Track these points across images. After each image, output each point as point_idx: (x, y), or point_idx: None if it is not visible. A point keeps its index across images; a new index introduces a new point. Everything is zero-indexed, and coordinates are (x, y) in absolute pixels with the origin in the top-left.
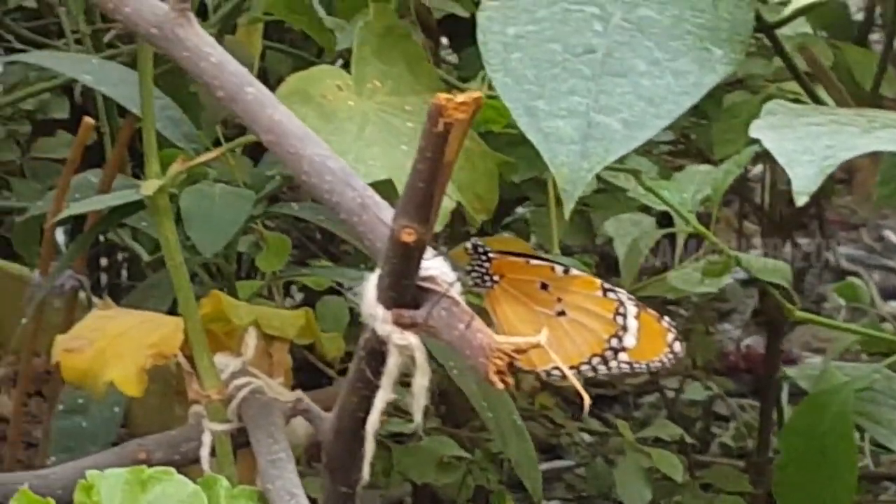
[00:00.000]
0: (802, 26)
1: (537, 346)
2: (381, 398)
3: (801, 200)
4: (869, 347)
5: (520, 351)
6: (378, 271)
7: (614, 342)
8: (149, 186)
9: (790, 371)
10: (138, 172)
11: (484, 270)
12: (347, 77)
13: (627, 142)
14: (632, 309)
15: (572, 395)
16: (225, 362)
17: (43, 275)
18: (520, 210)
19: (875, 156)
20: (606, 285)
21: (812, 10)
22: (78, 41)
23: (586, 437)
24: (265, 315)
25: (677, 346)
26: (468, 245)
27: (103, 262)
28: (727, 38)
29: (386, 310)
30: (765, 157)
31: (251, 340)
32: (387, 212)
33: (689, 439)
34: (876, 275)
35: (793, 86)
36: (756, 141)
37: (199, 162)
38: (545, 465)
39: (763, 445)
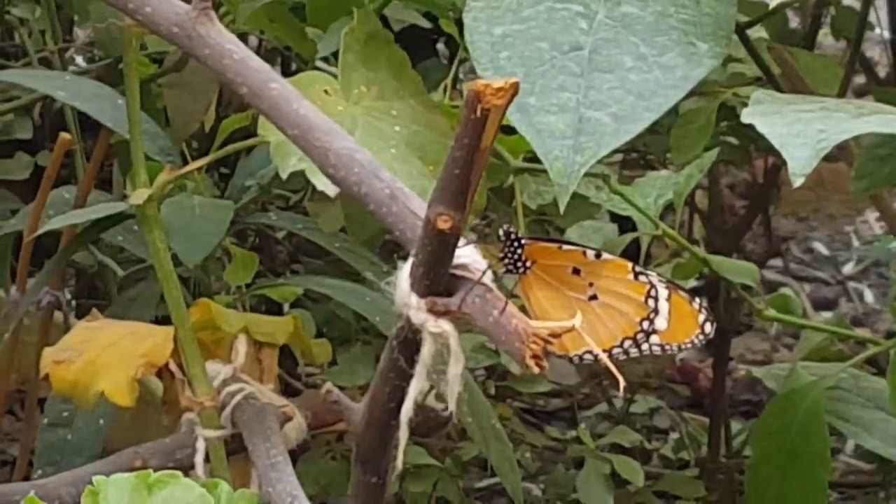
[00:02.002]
0: (758, 31)
1: (571, 330)
2: (415, 387)
3: (797, 182)
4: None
5: (554, 335)
6: (411, 260)
7: (646, 325)
8: (138, 196)
9: (757, 371)
10: (105, 188)
11: (517, 257)
12: (335, 82)
13: (619, 135)
14: (663, 291)
15: (530, 405)
16: (216, 369)
17: (20, 292)
18: None
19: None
20: (638, 268)
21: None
22: (41, 61)
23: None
24: (255, 322)
25: (708, 328)
26: (500, 232)
27: None
28: (711, 33)
29: (420, 298)
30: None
31: (242, 347)
32: (416, 202)
33: (648, 445)
34: (807, 286)
35: (747, 91)
36: (713, 146)
37: (186, 172)
38: (489, 481)
39: (714, 453)
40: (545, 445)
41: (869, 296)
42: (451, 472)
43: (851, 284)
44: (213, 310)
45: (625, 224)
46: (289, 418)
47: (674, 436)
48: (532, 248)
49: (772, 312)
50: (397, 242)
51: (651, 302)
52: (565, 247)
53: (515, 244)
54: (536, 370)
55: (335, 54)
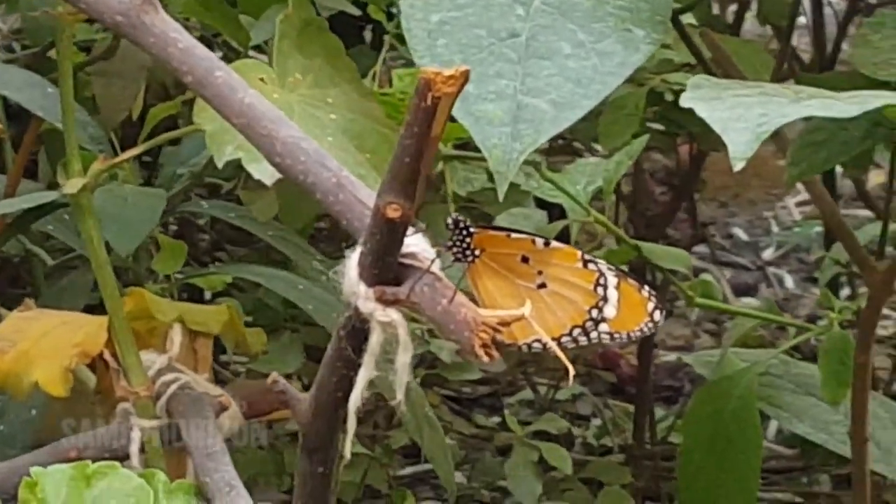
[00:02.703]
0: (685, 17)
1: (521, 318)
2: (364, 376)
3: (737, 166)
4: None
5: (504, 324)
6: (359, 249)
7: (595, 313)
8: (73, 185)
9: (686, 357)
10: (30, 177)
11: (465, 245)
12: (270, 70)
13: (557, 122)
14: (612, 279)
15: (456, 393)
16: (151, 359)
17: None
18: None
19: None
20: (587, 256)
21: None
22: None
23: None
24: (189, 311)
25: (657, 315)
26: (449, 220)
27: None
28: (648, 19)
29: (368, 287)
30: None
31: (177, 337)
32: (363, 191)
33: (576, 432)
34: (727, 272)
35: (676, 77)
36: (643, 132)
37: (120, 160)
38: (413, 468)
39: (639, 440)
40: (470, 433)
41: (789, 281)
42: (380, 460)
43: (771, 270)
44: (148, 299)
45: (552, 211)
46: (224, 408)
47: (596, 422)
48: (481, 236)
49: (702, 299)
50: (326, 231)
51: (600, 290)
52: (514, 235)
53: (464, 232)
54: (486, 359)
55: (267, 42)
